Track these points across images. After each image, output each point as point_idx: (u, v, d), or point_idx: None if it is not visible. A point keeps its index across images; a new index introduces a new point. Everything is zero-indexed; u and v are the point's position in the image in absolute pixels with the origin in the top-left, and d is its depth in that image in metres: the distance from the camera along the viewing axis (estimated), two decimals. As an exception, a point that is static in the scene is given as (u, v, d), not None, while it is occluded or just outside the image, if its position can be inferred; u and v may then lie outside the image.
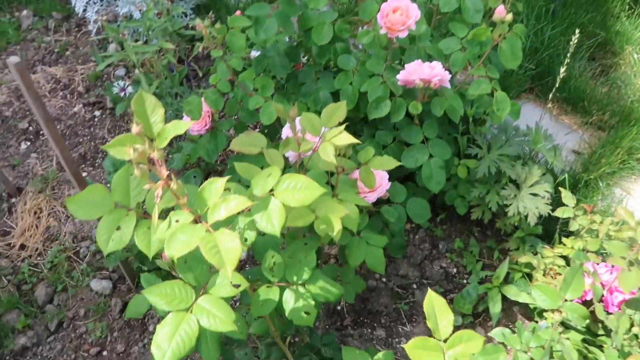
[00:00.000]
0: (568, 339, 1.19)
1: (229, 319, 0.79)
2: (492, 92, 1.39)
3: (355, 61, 1.52)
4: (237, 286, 0.84)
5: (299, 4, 1.52)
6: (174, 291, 0.81)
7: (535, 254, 1.52)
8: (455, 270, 1.72)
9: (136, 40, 2.27)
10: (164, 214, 0.77)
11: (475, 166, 1.54)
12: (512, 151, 1.53)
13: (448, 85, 1.32)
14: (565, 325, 1.29)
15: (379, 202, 1.31)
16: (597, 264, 1.34)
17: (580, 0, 2.33)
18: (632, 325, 1.21)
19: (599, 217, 1.38)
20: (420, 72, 1.25)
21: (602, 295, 1.28)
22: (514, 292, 1.51)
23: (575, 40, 1.55)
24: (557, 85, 1.64)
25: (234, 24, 1.43)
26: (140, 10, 2.17)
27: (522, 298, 1.49)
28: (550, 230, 1.58)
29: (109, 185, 0.91)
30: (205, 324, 0.79)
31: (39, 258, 1.81)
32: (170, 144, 2.13)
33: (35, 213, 1.92)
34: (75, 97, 2.37)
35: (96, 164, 2.12)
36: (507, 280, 1.56)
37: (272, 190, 0.85)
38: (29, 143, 2.19)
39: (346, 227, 1.06)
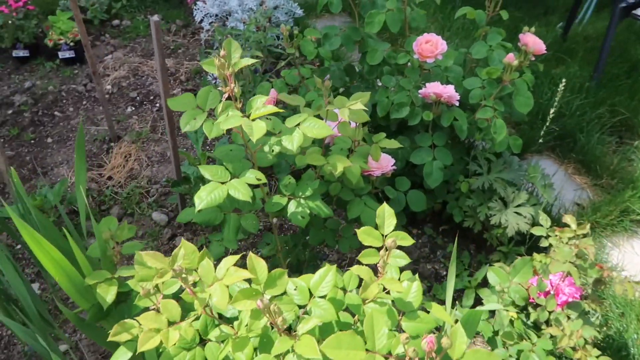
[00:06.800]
0: (507, 311, 1.45)
1: (247, 195, 1.17)
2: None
3: (395, 81, 1.92)
4: (259, 179, 1.23)
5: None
6: (217, 171, 1.22)
7: (511, 265, 1.77)
8: (444, 273, 1.99)
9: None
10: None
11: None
12: (508, 176, 1.83)
13: (456, 104, 1.67)
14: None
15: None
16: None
17: (616, 84, 2.61)
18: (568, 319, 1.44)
19: (567, 236, 1.63)
20: (435, 88, 1.62)
21: (546, 291, 1.52)
22: (486, 294, 1.76)
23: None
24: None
25: (308, 34, 1.90)
26: (244, 23, 2.73)
27: (492, 300, 1.74)
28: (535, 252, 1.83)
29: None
30: (232, 193, 1.17)
31: (119, 189, 2.29)
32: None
33: (125, 156, 2.43)
34: (177, 83, 2.94)
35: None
36: (486, 286, 1.82)
37: (298, 124, 1.25)
38: (133, 108, 2.76)
39: (348, 184, 1.42)
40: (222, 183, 1.19)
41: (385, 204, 1.12)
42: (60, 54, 2.92)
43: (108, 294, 1.14)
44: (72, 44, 2.92)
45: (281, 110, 1.17)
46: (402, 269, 1.10)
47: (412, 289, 1.03)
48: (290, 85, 2.01)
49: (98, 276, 1.18)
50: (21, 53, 2.91)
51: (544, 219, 1.70)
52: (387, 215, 1.10)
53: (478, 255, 2.02)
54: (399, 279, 1.12)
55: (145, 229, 2.13)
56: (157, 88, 2.88)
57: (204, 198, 1.15)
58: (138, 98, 2.82)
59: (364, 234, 1.08)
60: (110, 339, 0.99)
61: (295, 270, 1.63)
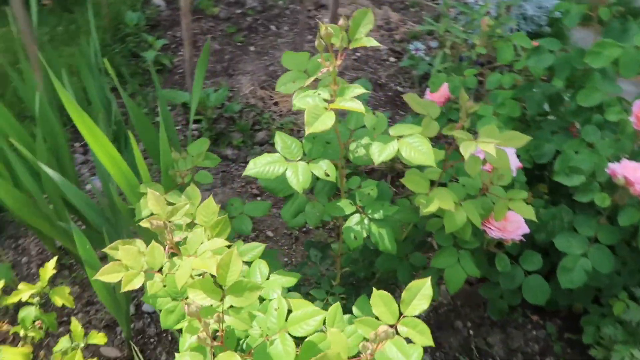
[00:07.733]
0: None
1: (303, 185, 1.02)
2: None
3: (598, 137, 1.45)
4: (328, 175, 1.05)
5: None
6: (292, 144, 1.08)
7: None
8: (539, 385, 1.56)
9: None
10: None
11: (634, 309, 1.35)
12: (687, 330, 1.27)
13: (651, 203, 1.18)
14: None
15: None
16: None
17: None
18: None
19: None
20: (630, 170, 1.16)
21: None
22: None
23: None
24: None
25: (515, 39, 1.53)
26: (477, 3, 2.39)
27: None
28: None
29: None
30: (288, 175, 1.03)
31: (277, 118, 2.34)
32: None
33: (300, 90, 2.44)
34: (388, 39, 2.79)
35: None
36: None
37: (401, 137, 1.01)
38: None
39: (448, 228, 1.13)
40: (288, 160, 1.06)
41: (428, 280, 0.85)
42: (303, -24, 3.01)
43: (146, 208, 1.15)
44: (318, -32, 2.97)
45: (363, 112, 0.95)
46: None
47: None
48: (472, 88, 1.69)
49: (150, 188, 1.19)
50: (276, -37, 3.09)
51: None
52: (420, 294, 0.84)
53: (594, 393, 1.52)
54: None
55: (275, 164, 2.14)
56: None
57: (258, 166, 1.04)
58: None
59: (378, 299, 0.84)
60: (104, 250, 0.99)
61: (352, 283, 1.45)
